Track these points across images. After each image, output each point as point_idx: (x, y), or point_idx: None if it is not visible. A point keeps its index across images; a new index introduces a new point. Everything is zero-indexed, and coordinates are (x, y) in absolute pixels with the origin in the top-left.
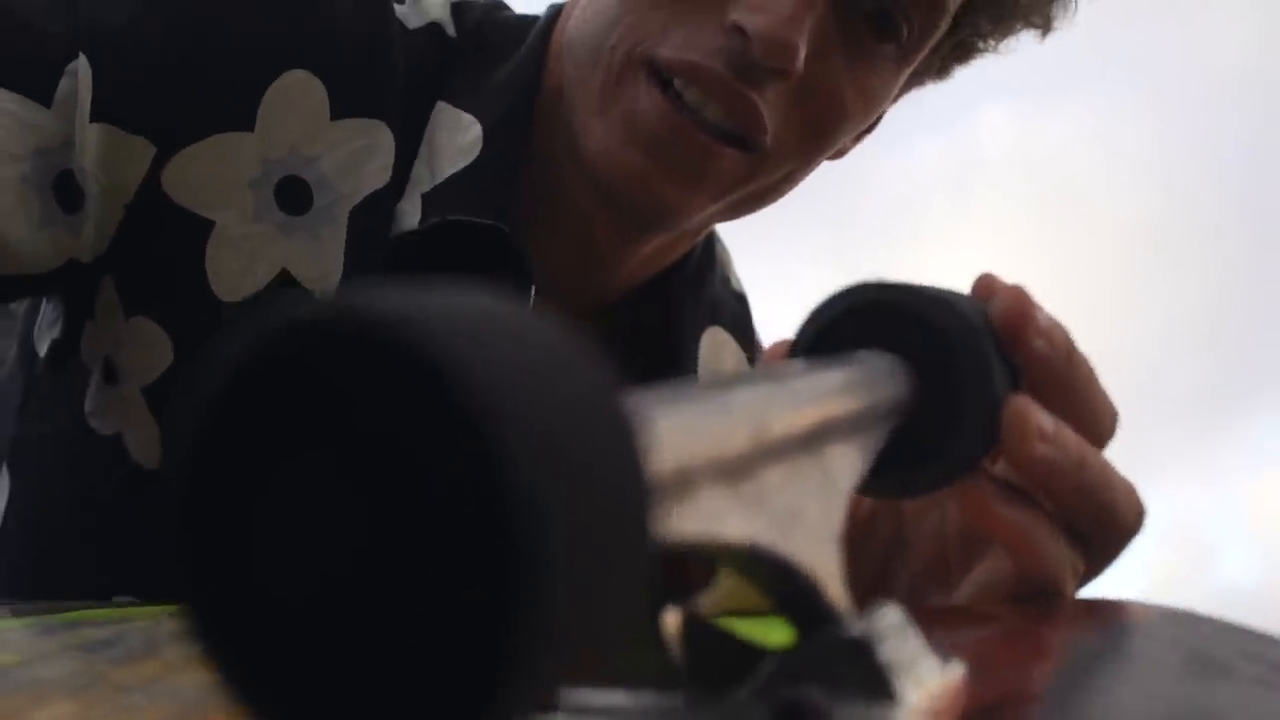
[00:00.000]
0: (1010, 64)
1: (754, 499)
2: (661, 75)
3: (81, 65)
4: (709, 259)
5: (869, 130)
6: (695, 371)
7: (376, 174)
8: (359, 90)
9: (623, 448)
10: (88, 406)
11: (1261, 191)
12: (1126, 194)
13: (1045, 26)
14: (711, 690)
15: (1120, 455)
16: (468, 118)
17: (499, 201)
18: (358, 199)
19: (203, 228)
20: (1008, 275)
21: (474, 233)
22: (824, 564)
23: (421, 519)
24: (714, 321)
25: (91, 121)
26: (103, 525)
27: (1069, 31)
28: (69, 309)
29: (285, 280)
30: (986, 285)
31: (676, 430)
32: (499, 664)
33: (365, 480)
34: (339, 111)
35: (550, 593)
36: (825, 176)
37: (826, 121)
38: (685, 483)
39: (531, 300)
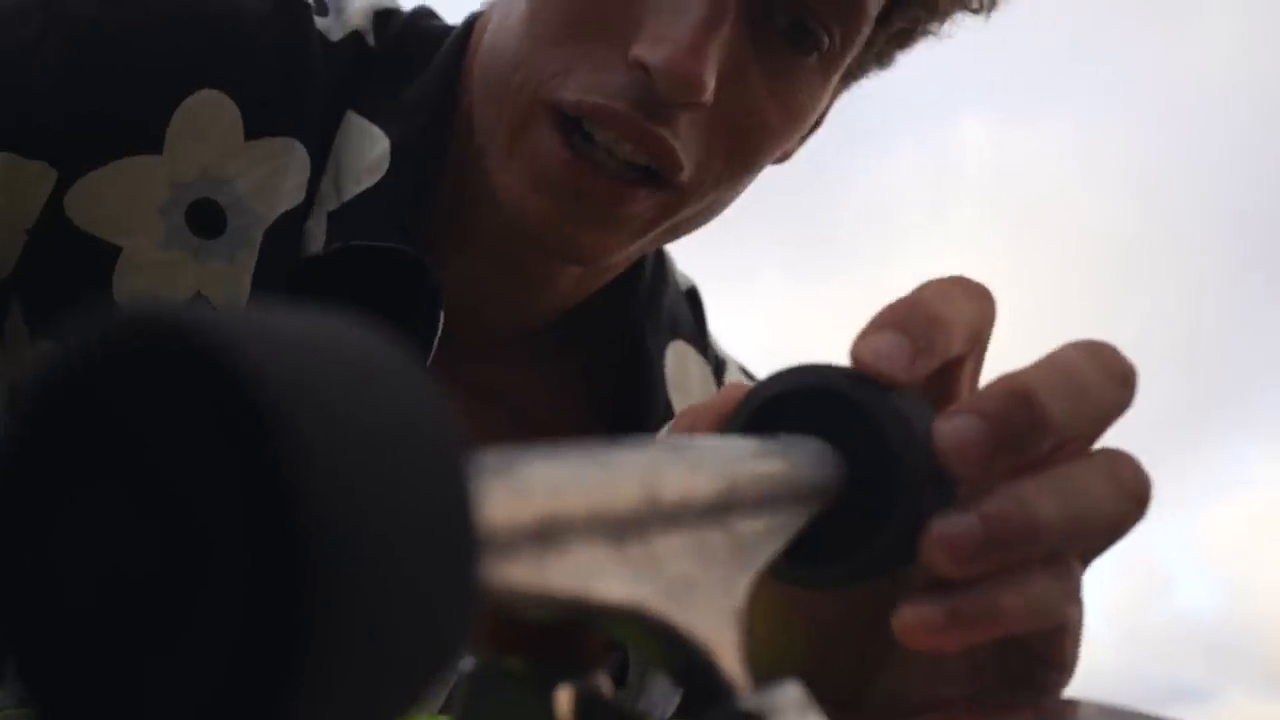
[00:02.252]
0: (986, 76)
1: (643, 563)
2: (567, 118)
3: None
4: (660, 271)
5: (811, 132)
6: (665, 391)
7: (291, 193)
8: (273, 108)
9: (439, 477)
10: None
11: (1238, 208)
12: (1101, 207)
13: (987, 7)
14: None
15: None
16: (376, 131)
17: (406, 222)
18: (271, 219)
19: (109, 254)
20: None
21: (382, 256)
22: (720, 636)
23: (208, 532)
24: (675, 335)
25: None
26: None
27: (1045, 42)
28: None
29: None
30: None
31: (548, 478)
32: (283, 696)
33: (162, 503)
34: (253, 131)
35: (332, 621)
36: (799, 190)
37: (749, 143)
38: (555, 533)
39: (439, 324)
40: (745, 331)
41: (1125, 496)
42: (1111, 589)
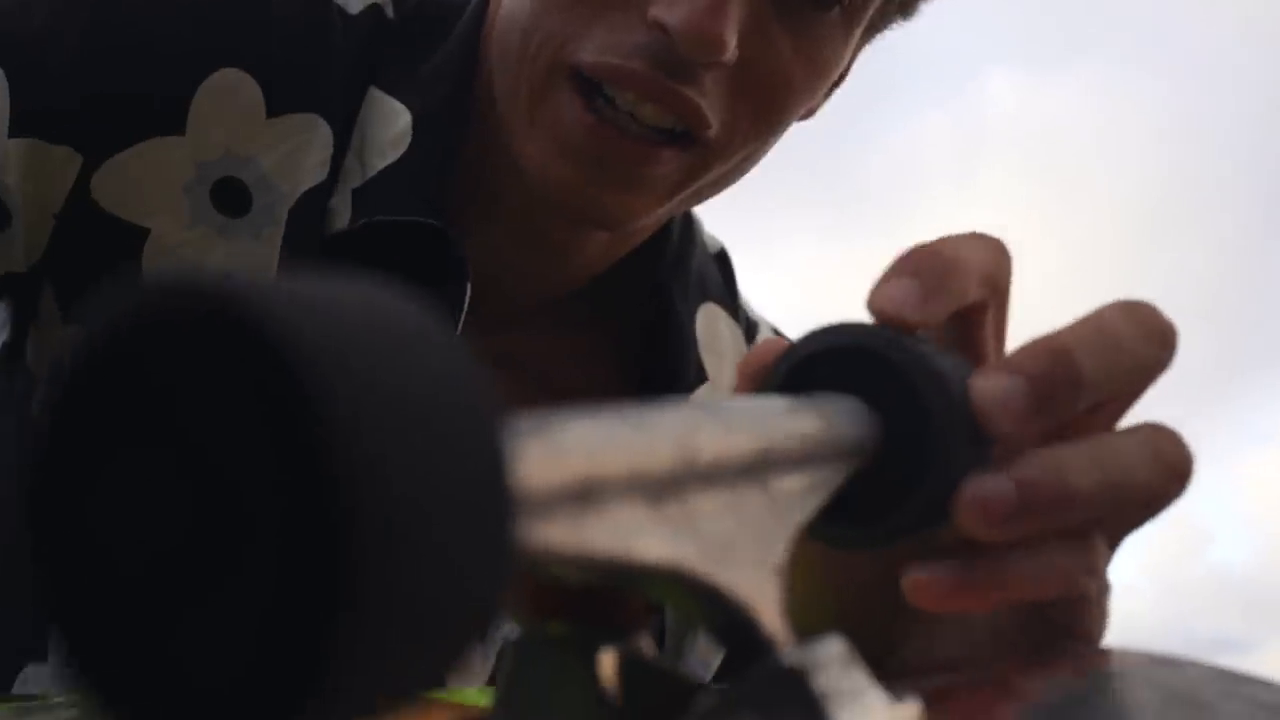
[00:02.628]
0: (1013, 31)
1: (681, 522)
2: (587, 81)
3: None
4: (688, 234)
5: (836, 85)
6: (697, 353)
7: (314, 170)
8: (295, 84)
9: (473, 439)
10: (34, 412)
11: (1268, 162)
12: (1130, 163)
13: None
14: None
15: None
16: (398, 106)
17: (431, 196)
18: (296, 196)
19: (137, 235)
20: (1009, 242)
21: (407, 230)
22: (761, 594)
23: (244, 496)
24: (705, 298)
25: (11, 137)
26: None
27: None
28: (15, 311)
29: None
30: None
31: (584, 439)
32: (319, 659)
33: (199, 467)
34: (275, 108)
35: (369, 583)
36: (826, 150)
37: (775, 101)
38: (592, 493)
39: (466, 297)
40: (774, 292)
41: (1165, 471)
42: (1150, 543)
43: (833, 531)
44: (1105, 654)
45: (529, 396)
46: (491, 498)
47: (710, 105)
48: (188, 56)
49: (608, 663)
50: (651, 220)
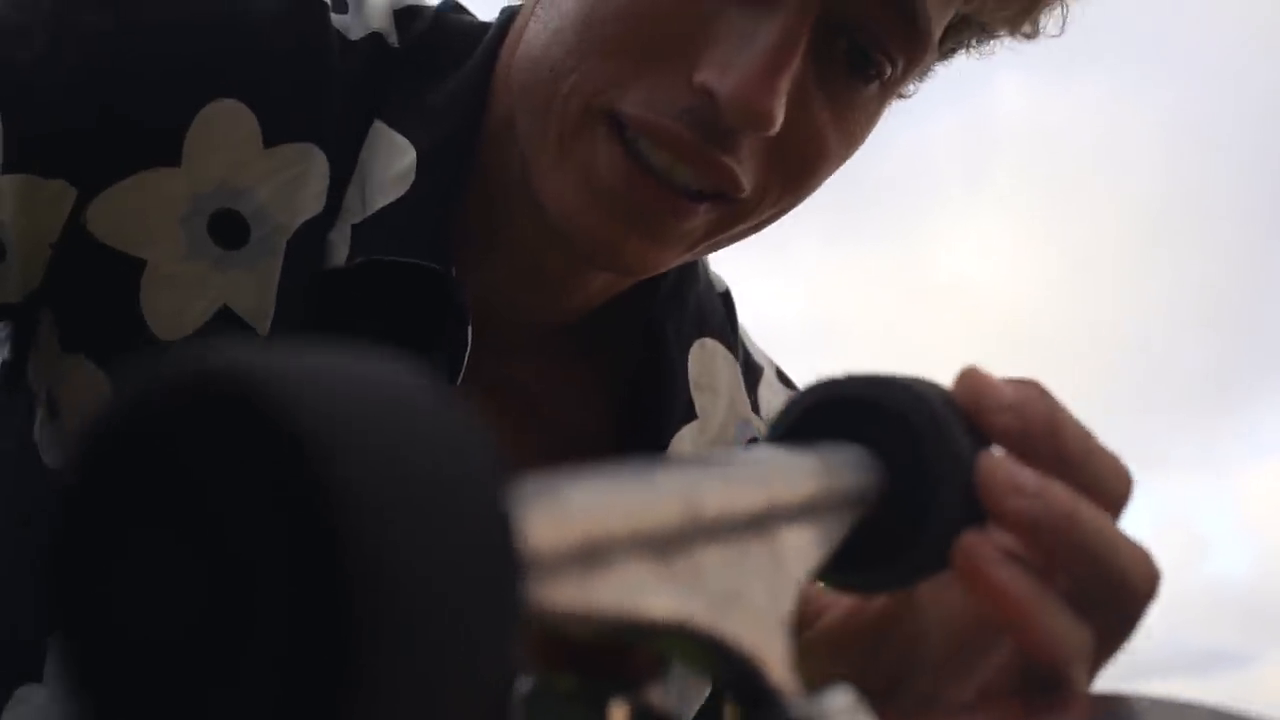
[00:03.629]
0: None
1: (688, 578)
2: (623, 129)
3: None
4: (687, 268)
5: None
6: (687, 391)
7: (312, 201)
8: (292, 114)
9: (480, 511)
10: (36, 436)
11: (1274, 168)
12: (1137, 169)
13: (1034, 34)
14: None
15: (1118, 439)
16: (403, 141)
17: (433, 236)
18: (294, 228)
19: (134, 266)
20: (1018, 251)
21: (407, 269)
22: (768, 646)
23: (257, 576)
24: (702, 333)
25: (4, 173)
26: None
27: (1081, 2)
28: (15, 335)
29: (226, 316)
30: (968, 378)
31: (590, 500)
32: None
33: (214, 545)
34: (272, 138)
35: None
36: None
37: (808, 168)
38: (598, 553)
39: (468, 345)
40: (781, 297)
41: (1146, 564)
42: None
43: (838, 578)
44: (1111, 698)
45: (519, 424)
46: (499, 567)
47: (745, 170)
48: (183, 87)
49: (619, 715)
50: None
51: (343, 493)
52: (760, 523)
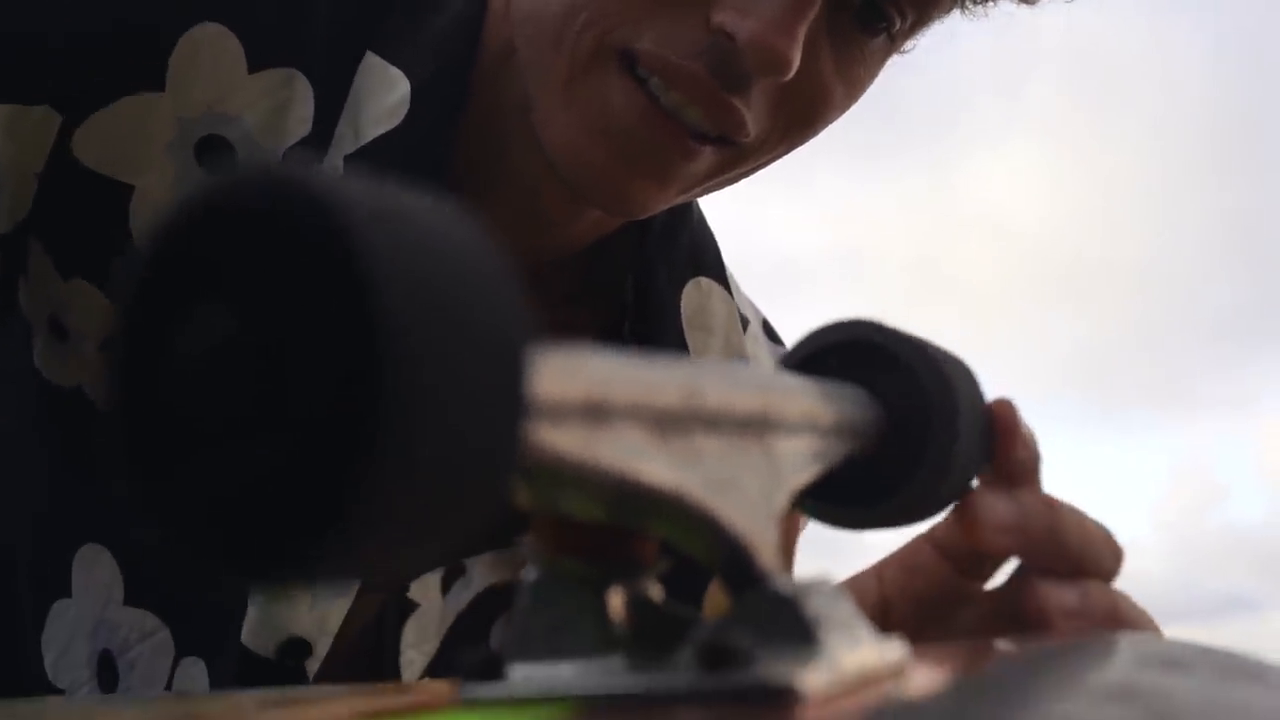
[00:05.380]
0: None
1: (686, 456)
2: (635, 68)
3: None
4: (680, 207)
5: None
6: (680, 332)
7: (297, 126)
8: (275, 38)
9: (503, 340)
10: (37, 360)
11: None
12: (1181, 94)
13: None
14: (653, 654)
15: (1145, 377)
16: (396, 73)
17: (426, 168)
18: (280, 154)
19: (122, 191)
20: (1052, 180)
21: None
22: (759, 532)
23: (302, 357)
24: (697, 271)
25: None
26: (70, 474)
27: None
28: (2, 265)
29: None
30: (1004, 405)
31: (599, 366)
32: (347, 490)
33: (261, 318)
34: (256, 63)
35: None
36: None
37: (812, 116)
38: (601, 412)
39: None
40: (807, 228)
41: (1114, 548)
42: (1165, 497)
43: (830, 511)
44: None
45: None
46: (511, 387)
47: (752, 114)
48: (164, 11)
49: (617, 599)
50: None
51: (382, 291)
52: (757, 425)
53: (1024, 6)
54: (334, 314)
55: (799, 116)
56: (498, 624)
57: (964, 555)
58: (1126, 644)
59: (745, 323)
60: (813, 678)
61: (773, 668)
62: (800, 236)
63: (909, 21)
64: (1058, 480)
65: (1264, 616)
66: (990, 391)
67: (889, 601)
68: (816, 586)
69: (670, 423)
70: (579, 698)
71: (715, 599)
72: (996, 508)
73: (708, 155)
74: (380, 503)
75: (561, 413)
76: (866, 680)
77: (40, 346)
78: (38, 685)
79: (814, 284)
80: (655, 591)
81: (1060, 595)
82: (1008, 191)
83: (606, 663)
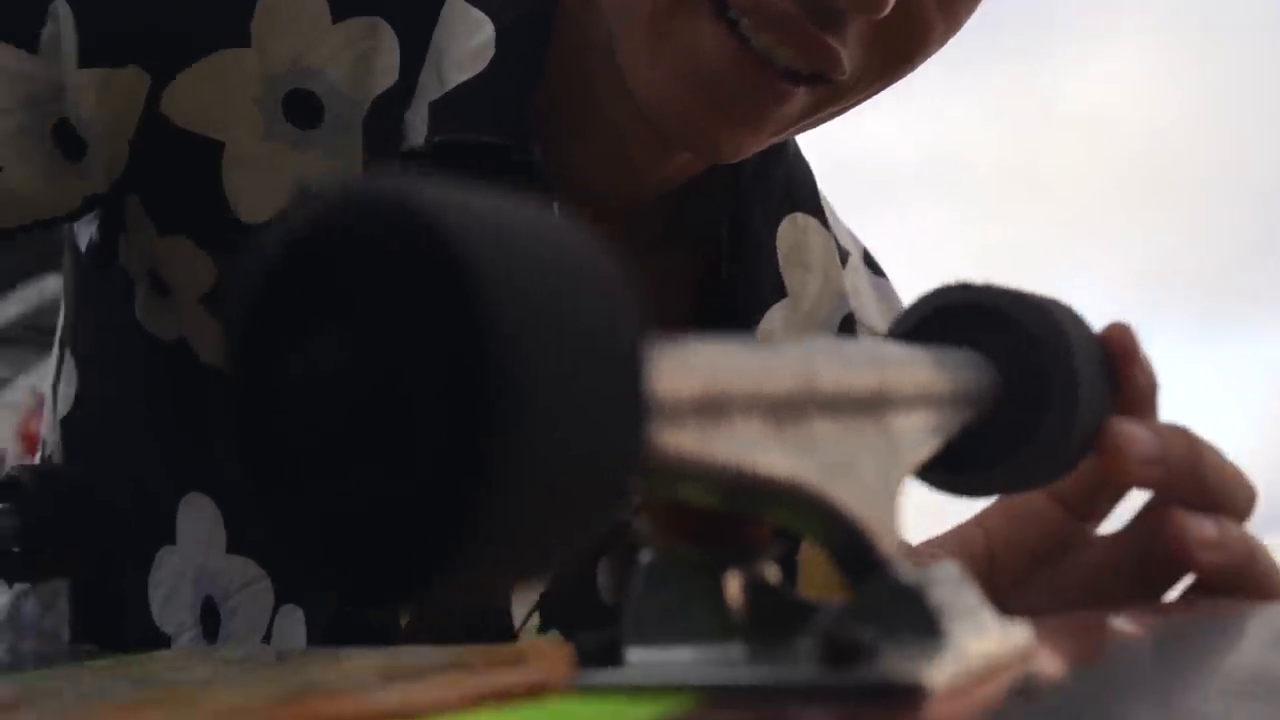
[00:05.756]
0: None
1: (802, 443)
2: (726, 11)
3: (60, 5)
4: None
5: None
6: (776, 269)
7: (382, 76)
8: None
9: (617, 347)
10: (139, 314)
11: None
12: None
13: None
14: (772, 642)
15: (1244, 283)
16: (479, 15)
17: (513, 114)
18: (367, 104)
19: (213, 149)
20: (1153, 80)
21: (487, 147)
22: (878, 517)
23: (417, 372)
24: (793, 208)
25: (80, 67)
26: (175, 424)
27: None
28: (102, 221)
29: None
30: (1119, 330)
31: (714, 359)
32: (466, 517)
33: (377, 340)
34: (340, 12)
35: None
36: None
37: (910, 53)
38: (719, 407)
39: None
40: (902, 132)
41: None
42: (1272, 403)
43: (945, 478)
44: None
45: None
46: (629, 397)
47: (849, 53)
48: None
49: (733, 584)
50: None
51: (495, 315)
52: (873, 404)
53: None
54: (445, 338)
55: (897, 52)
56: (600, 567)
57: (1080, 495)
58: (1258, 622)
59: (845, 256)
60: (939, 673)
61: (898, 663)
62: (895, 144)
63: None
64: (1168, 389)
65: None
66: (1095, 315)
67: (995, 554)
68: (939, 573)
69: (786, 409)
70: (701, 688)
71: (809, 560)
72: (1139, 438)
73: (801, 96)
74: (497, 534)
75: (680, 412)
76: (992, 670)
77: (142, 300)
78: (144, 630)
79: (910, 191)
80: (772, 575)
81: (1200, 526)
82: (1107, 92)
83: (725, 650)
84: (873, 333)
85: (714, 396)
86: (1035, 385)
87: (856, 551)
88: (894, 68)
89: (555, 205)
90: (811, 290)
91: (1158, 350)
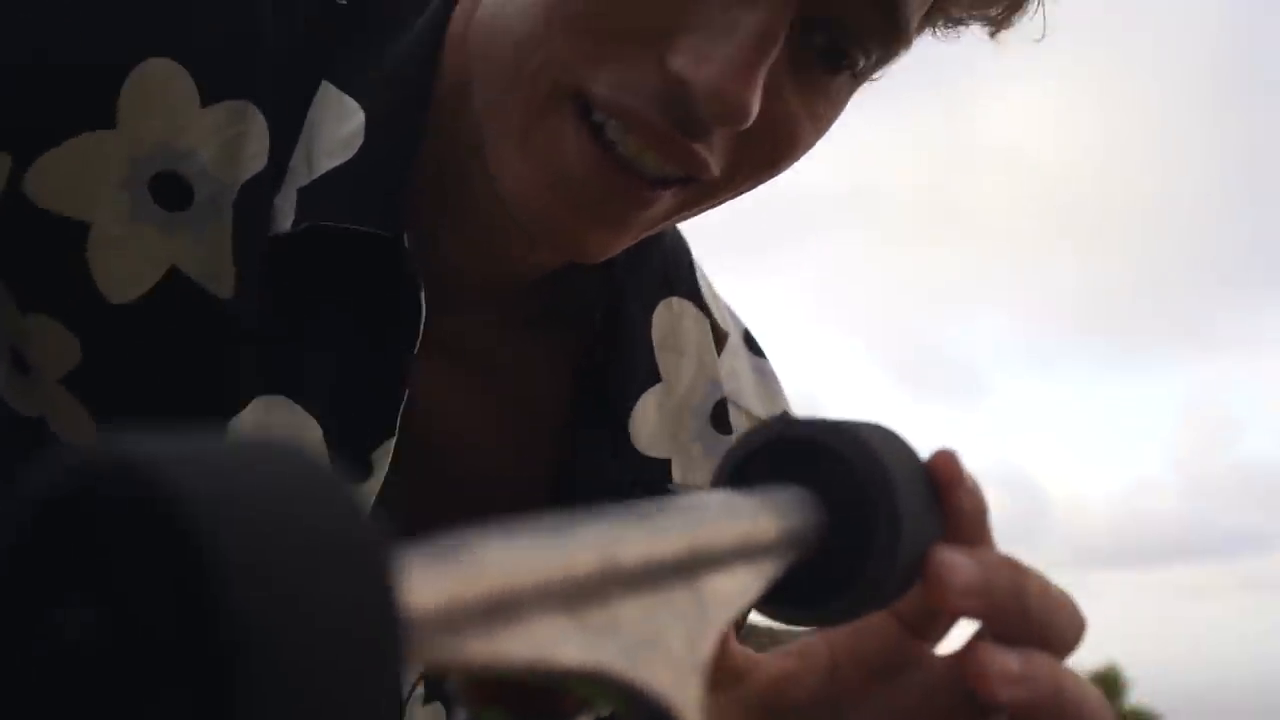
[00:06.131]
0: None
1: (603, 628)
2: (589, 112)
3: None
4: None
5: None
6: (651, 357)
7: (252, 161)
8: (226, 70)
9: (359, 580)
10: (0, 389)
11: None
12: (1197, 28)
13: (1002, 22)
14: None
15: (1161, 314)
16: (351, 103)
17: (381, 202)
18: (237, 188)
19: (78, 230)
20: (1067, 115)
21: (355, 236)
22: (681, 691)
23: (154, 652)
24: (670, 291)
25: None
26: None
27: None
28: None
29: (177, 278)
30: (943, 458)
31: (501, 557)
32: None
33: (120, 616)
34: (208, 97)
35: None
36: None
37: (778, 154)
38: (508, 607)
39: (423, 310)
40: (815, 163)
41: (1077, 620)
42: (1179, 435)
43: (781, 611)
44: None
45: (478, 389)
46: (378, 635)
47: (715, 156)
48: (111, 48)
49: None
50: None
51: (224, 581)
52: (684, 569)
53: (990, 30)
54: (177, 605)
55: (764, 156)
56: None
57: (916, 616)
58: None
59: (724, 337)
60: None
61: None
62: (814, 173)
63: (873, 60)
64: (1075, 421)
65: (1275, 552)
66: (1012, 346)
67: (837, 664)
68: None
69: (585, 596)
70: None
71: None
72: (960, 568)
73: (667, 198)
74: None
75: (462, 621)
76: None
77: (3, 376)
78: None
79: (829, 219)
80: None
81: (1003, 661)
82: (1022, 128)
83: None
84: (749, 415)
85: (503, 597)
86: (859, 518)
87: None
88: (764, 168)
89: (421, 292)
90: (686, 375)
91: (1071, 382)
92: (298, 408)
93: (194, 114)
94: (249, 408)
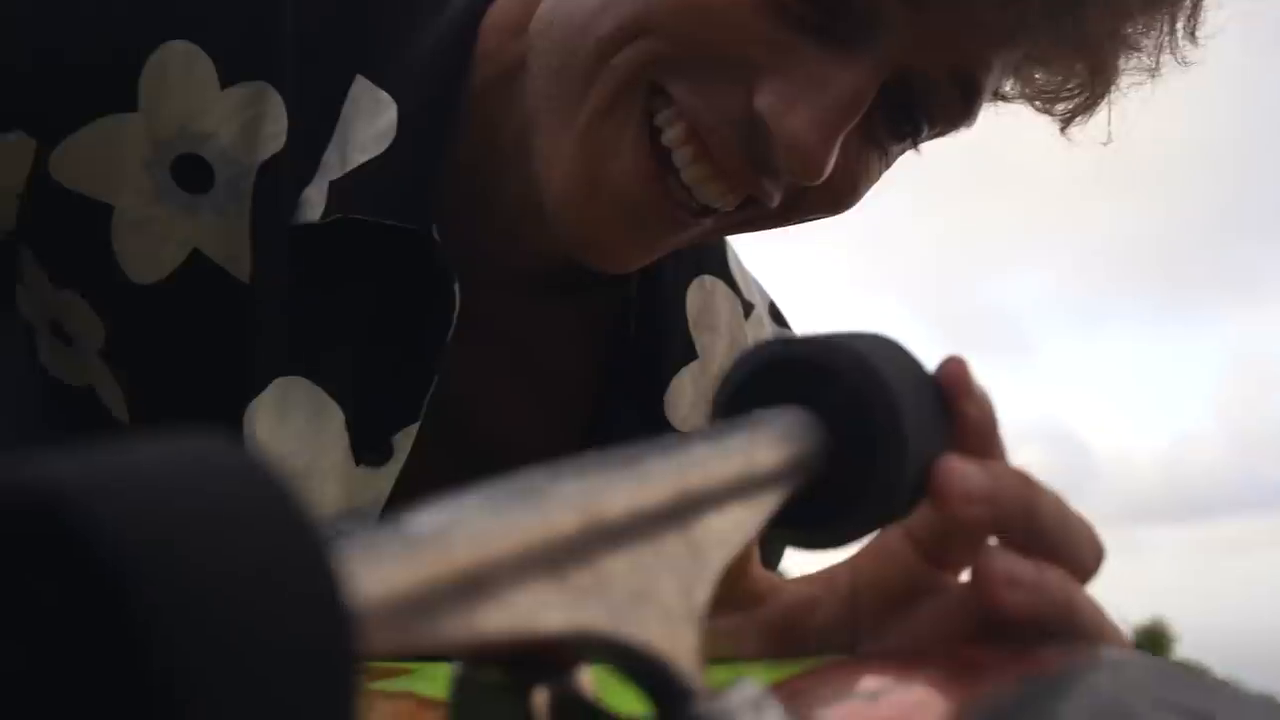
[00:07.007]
0: None
1: (588, 587)
2: (652, 124)
3: None
4: None
5: None
6: (687, 333)
7: (270, 141)
8: (245, 53)
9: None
10: (43, 359)
11: None
12: None
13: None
14: None
15: (1204, 266)
16: (385, 97)
17: (412, 196)
18: (255, 168)
19: (102, 211)
20: None
21: (386, 229)
22: (675, 643)
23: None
24: (700, 270)
25: None
26: None
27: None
28: None
29: (199, 260)
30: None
31: (473, 529)
32: None
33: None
34: (228, 78)
35: None
36: None
37: (831, 206)
38: (484, 581)
39: (456, 304)
40: None
41: (1095, 544)
42: (1223, 387)
43: (791, 535)
44: (1053, 655)
45: (510, 371)
46: (324, 635)
47: (774, 190)
48: (131, 32)
49: (540, 701)
50: None
51: (145, 604)
52: (675, 514)
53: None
54: (96, 635)
55: (818, 203)
56: None
57: (934, 540)
58: (1083, 685)
59: (750, 308)
60: None
61: None
62: None
63: (934, 132)
64: (1119, 376)
65: None
66: (1054, 299)
67: (858, 592)
68: (738, 698)
69: (568, 556)
70: None
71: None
72: (965, 475)
73: (708, 223)
74: None
75: (430, 605)
76: None
77: (46, 348)
78: None
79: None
80: (586, 683)
81: (1010, 563)
82: None
83: None
84: None
85: (478, 571)
86: (862, 435)
87: (657, 684)
88: (816, 212)
89: (454, 285)
90: (719, 353)
91: (1115, 337)
92: (318, 389)
93: (214, 96)
94: (269, 388)
